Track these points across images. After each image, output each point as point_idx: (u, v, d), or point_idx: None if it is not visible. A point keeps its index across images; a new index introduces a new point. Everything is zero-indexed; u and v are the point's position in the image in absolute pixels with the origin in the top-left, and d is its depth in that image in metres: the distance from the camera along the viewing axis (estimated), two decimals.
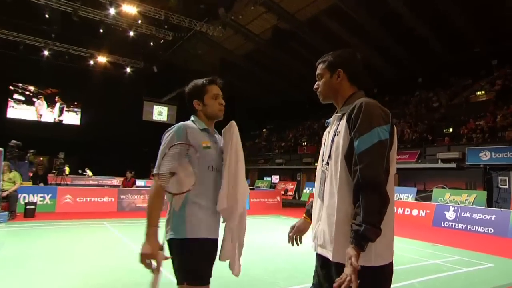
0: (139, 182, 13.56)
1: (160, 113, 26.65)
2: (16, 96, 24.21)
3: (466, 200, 10.87)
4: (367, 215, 1.21)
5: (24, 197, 8.89)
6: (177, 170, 1.68)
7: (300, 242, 1.75)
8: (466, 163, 12.33)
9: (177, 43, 20.40)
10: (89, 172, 20.33)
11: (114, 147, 23.57)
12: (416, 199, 12.17)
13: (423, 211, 9.93)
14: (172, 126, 1.80)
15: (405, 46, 18.35)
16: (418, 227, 9.16)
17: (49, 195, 9.45)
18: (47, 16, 15.93)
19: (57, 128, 25.08)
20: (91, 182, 18.60)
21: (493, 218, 8.44)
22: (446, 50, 17.76)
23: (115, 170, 18.73)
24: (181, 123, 1.80)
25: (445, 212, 9.39)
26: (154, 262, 1.59)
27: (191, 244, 1.67)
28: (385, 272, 1.33)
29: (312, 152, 19.20)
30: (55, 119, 25.59)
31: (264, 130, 29.59)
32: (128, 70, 23.51)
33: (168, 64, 22.84)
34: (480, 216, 8.69)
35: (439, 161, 13.29)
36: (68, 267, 4.23)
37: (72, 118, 26.27)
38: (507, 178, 11.28)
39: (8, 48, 19.21)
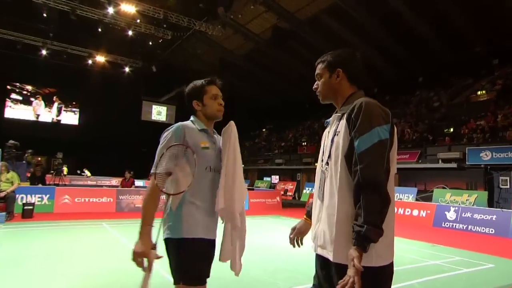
0: (138, 183, 13.48)
1: (159, 113, 26.60)
2: (13, 95, 24.06)
3: (467, 200, 10.86)
4: (368, 215, 1.21)
5: (22, 198, 8.84)
6: (174, 170, 1.70)
7: (301, 244, 1.74)
8: (467, 163, 12.31)
9: (176, 43, 20.35)
10: (87, 173, 20.26)
11: (112, 147, 23.48)
12: (416, 199, 12.15)
13: (423, 212, 9.90)
14: (171, 126, 1.81)
15: (405, 46, 18.30)
16: (418, 227, 9.14)
17: (47, 196, 9.39)
18: (45, 15, 15.86)
19: (55, 128, 24.95)
20: (89, 183, 18.53)
21: (494, 219, 8.42)
22: (446, 49, 17.72)
23: (114, 170, 18.66)
24: (179, 123, 1.81)
25: (446, 213, 9.36)
26: (146, 261, 1.59)
27: (188, 244, 1.68)
28: (386, 272, 1.33)
29: (312, 152, 19.15)
30: (53, 119, 25.46)
31: (264, 130, 29.54)
32: (126, 69, 23.41)
33: (167, 64, 22.78)
34: (481, 216, 8.68)
35: (440, 161, 13.27)
36: (66, 268, 4.20)
37: (70, 118, 26.15)
38: (508, 178, 11.26)
39: (6, 47, 19.10)
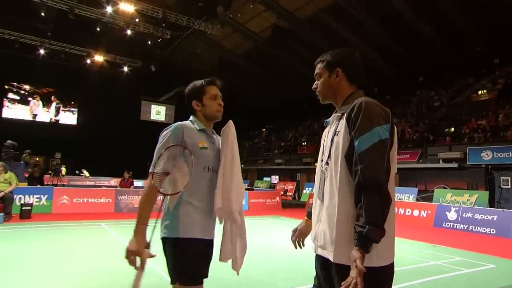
0: (137, 183, 13.42)
1: (158, 112, 26.51)
2: (11, 95, 23.95)
3: (467, 200, 10.85)
4: (369, 215, 1.21)
5: (20, 198, 8.80)
6: (172, 170, 1.72)
7: (303, 245, 1.74)
8: (467, 163, 12.30)
9: (175, 42, 20.29)
10: (86, 173, 20.19)
11: (111, 147, 23.42)
12: (417, 200, 12.14)
13: (424, 212, 9.89)
14: (170, 125, 1.82)
15: (405, 45, 18.23)
16: (419, 227, 9.12)
17: (46, 196, 9.37)
18: (43, 14, 15.80)
19: (53, 128, 24.86)
20: (88, 183, 18.48)
21: (495, 219, 8.40)
22: (447, 48, 17.64)
23: (113, 171, 18.62)
24: (178, 122, 1.82)
25: (447, 213, 9.34)
26: (138, 260, 1.60)
27: (184, 244, 1.68)
28: (386, 272, 1.33)
29: (311, 152, 19.13)
30: (51, 119, 25.35)
31: (264, 130, 29.48)
32: (125, 69, 23.32)
33: (166, 63, 22.71)
34: (482, 216, 8.66)
35: (441, 161, 13.25)
36: (65, 268, 4.19)
37: (69, 117, 26.06)
38: (509, 178, 11.23)
39: (3, 47, 19.00)
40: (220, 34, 18.85)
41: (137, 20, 17.71)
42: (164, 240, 1.72)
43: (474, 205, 10.26)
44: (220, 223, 1.85)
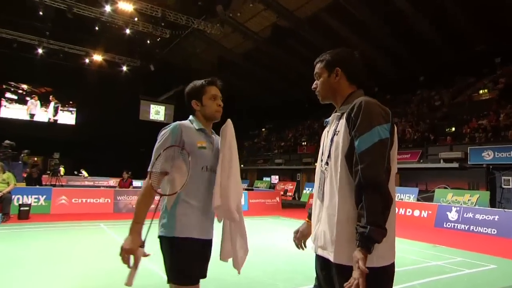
0: (136, 183, 13.39)
1: (157, 112, 26.39)
2: (8, 95, 23.79)
3: (468, 200, 10.82)
4: (371, 216, 1.21)
5: (18, 199, 8.83)
6: (170, 170, 1.74)
7: (305, 247, 1.74)
8: (468, 163, 12.30)
9: (174, 41, 20.23)
10: (84, 173, 20.09)
11: (110, 147, 23.31)
12: (418, 200, 12.13)
13: (425, 212, 9.89)
14: (169, 125, 1.83)
15: (406, 44, 18.19)
16: (420, 228, 9.13)
17: (44, 196, 9.38)
18: (41, 13, 15.71)
19: (51, 128, 24.73)
20: (86, 183, 18.40)
21: (496, 219, 8.39)
22: (448, 48, 17.59)
23: (112, 171, 18.53)
24: (177, 122, 1.83)
25: (448, 213, 9.35)
26: (132, 258, 1.62)
27: (180, 243, 1.69)
28: (387, 273, 1.33)
29: (312, 152, 19.10)
30: (49, 118, 25.22)
31: (263, 129, 29.42)
32: (124, 68, 23.22)
33: (165, 63, 22.63)
34: (483, 216, 8.65)
35: (441, 161, 13.23)
36: (64, 269, 4.19)
37: (67, 117, 25.92)
38: (510, 178, 11.19)
39: (1, 46, 18.88)
40: (219, 34, 18.80)
41: (136, 19, 17.65)
42: (161, 239, 1.74)
43: (475, 205, 10.24)
44: (219, 222, 1.85)
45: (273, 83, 25.26)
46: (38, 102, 24.71)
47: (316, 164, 1.59)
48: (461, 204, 10.25)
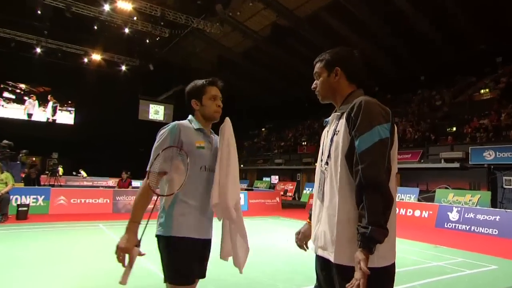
0: (135, 183, 13.34)
1: (156, 112, 26.31)
2: (6, 94, 23.69)
3: (469, 200, 10.79)
4: (372, 216, 1.20)
5: (17, 199, 8.79)
6: (169, 170, 1.74)
7: (307, 248, 1.73)
8: (469, 163, 12.28)
9: (173, 41, 20.19)
10: (83, 173, 20.03)
11: (109, 147, 23.25)
12: (418, 200, 12.11)
13: (425, 212, 9.88)
14: (167, 124, 1.84)
15: (407, 44, 18.15)
16: (420, 228, 9.12)
17: (42, 197, 9.35)
18: (39, 12, 15.65)
19: (50, 128, 24.67)
20: (85, 183, 18.34)
21: (497, 219, 8.38)
22: (449, 47, 17.55)
23: (110, 171, 18.46)
24: (176, 121, 1.84)
25: (448, 213, 9.33)
26: (127, 257, 1.62)
27: (177, 243, 1.70)
28: (388, 273, 1.33)
29: (311, 152, 19.06)
30: (48, 118, 25.13)
31: (263, 129, 29.37)
32: (123, 68, 23.14)
33: (164, 62, 22.56)
34: (484, 217, 8.64)
35: (442, 161, 13.21)
36: (62, 270, 4.19)
37: (66, 117, 25.85)
38: (511, 178, 11.17)
39: None
40: (219, 33, 18.75)
41: (135, 18, 17.61)
42: (158, 238, 1.75)
43: (476, 206, 10.21)
44: (219, 220, 1.84)
45: (273, 83, 25.21)
46: (36, 101, 24.62)
47: (316, 164, 1.58)
48: (462, 204, 10.23)
